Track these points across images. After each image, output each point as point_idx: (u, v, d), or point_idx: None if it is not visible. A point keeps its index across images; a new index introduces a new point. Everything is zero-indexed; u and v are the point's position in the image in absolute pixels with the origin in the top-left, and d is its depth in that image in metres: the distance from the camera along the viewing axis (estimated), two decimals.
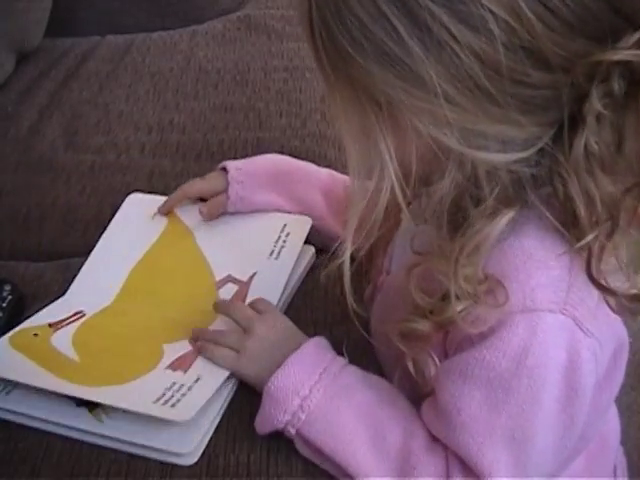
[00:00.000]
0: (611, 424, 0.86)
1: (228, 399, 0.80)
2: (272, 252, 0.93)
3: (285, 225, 0.96)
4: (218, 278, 0.92)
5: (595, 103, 0.57)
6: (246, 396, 0.80)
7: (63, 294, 0.94)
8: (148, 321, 0.90)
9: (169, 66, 1.51)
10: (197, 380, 0.79)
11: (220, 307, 0.86)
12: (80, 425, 0.78)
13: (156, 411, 0.75)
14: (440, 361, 0.70)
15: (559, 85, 0.58)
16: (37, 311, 0.91)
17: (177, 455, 0.75)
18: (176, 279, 0.94)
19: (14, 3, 1.51)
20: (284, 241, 0.94)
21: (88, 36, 1.63)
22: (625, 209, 0.60)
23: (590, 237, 0.61)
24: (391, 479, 0.70)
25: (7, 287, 0.95)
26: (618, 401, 0.79)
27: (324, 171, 1.01)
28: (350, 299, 0.71)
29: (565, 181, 0.60)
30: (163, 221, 0.99)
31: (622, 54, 0.56)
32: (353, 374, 0.76)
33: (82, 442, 0.77)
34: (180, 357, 0.82)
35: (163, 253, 0.96)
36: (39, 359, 0.83)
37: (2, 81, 1.48)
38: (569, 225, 0.62)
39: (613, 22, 0.57)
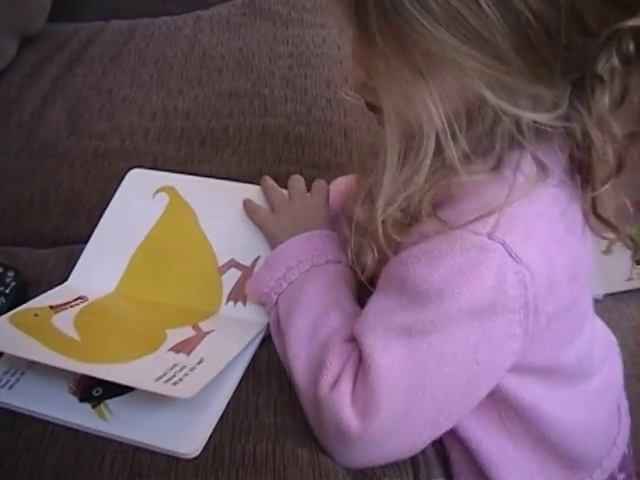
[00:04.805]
0: (614, 366, 0.89)
1: (233, 389, 0.79)
2: None
3: None
4: (221, 262, 0.90)
5: (614, 61, 0.63)
6: (252, 387, 0.80)
7: (66, 280, 0.93)
8: (151, 308, 0.89)
9: (173, 51, 1.50)
10: (200, 362, 0.78)
11: (263, 182, 0.94)
12: (83, 422, 0.77)
13: (158, 388, 0.73)
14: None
15: (588, 48, 0.62)
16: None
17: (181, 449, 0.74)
18: (179, 263, 0.93)
19: None
20: None
21: (91, 21, 1.62)
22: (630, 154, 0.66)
23: (605, 187, 0.67)
24: (305, 365, 0.75)
25: (10, 273, 0.94)
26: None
27: None
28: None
29: (587, 133, 0.65)
30: (164, 199, 0.97)
31: None
32: (342, 269, 0.81)
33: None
34: (183, 341, 0.82)
35: (165, 235, 0.94)
36: (40, 336, 0.82)
37: (5, 66, 1.47)
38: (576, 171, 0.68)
39: None
